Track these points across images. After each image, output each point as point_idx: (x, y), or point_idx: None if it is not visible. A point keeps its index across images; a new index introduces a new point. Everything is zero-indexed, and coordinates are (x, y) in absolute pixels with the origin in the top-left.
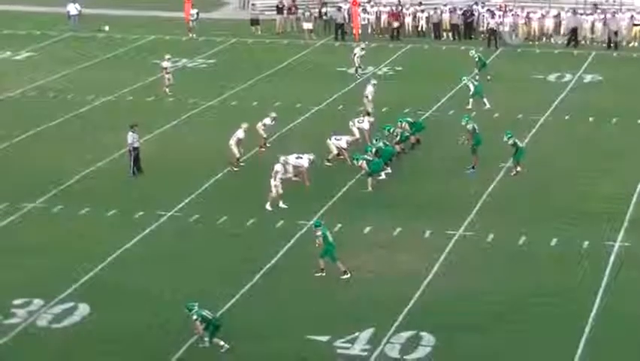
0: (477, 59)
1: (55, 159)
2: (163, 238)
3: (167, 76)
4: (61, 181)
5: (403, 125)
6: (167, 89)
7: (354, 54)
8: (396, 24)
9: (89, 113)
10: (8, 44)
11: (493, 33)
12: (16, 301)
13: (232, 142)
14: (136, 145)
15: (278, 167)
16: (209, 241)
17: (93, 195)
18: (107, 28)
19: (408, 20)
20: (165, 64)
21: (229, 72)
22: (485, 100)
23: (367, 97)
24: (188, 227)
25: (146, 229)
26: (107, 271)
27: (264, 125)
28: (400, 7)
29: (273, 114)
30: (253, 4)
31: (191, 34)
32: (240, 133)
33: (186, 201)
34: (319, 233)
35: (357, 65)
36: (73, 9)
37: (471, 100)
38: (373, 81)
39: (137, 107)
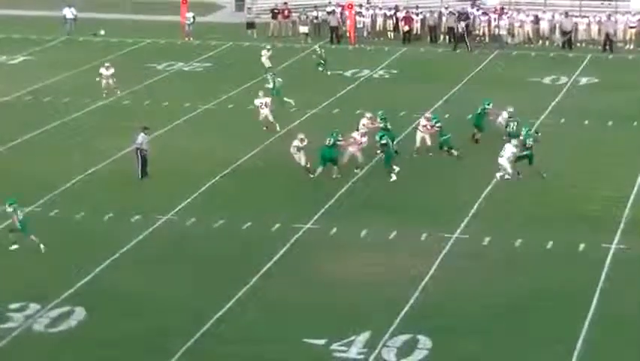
0: (318, 55)
1: (51, 163)
2: (159, 242)
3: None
4: (57, 185)
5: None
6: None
7: (262, 55)
8: (406, 28)
9: (85, 117)
10: (3, 49)
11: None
12: (13, 305)
13: (292, 150)
14: (145, 147)
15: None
16: (205, 244)
17: (89, 199)
18: (102, 32)
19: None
20: (102, 70)
21: (225, 75)
22: (286, 99)
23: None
24: (184, 231)
25: (142, 232)
26: (104, 275)
27: (364, 124)
28: (410, 11)
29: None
30: (249, 8)
31: (187, 38)
32: (296, 142)
33: (182, 205)
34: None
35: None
36: (69, 13)
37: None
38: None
39: (133, 111)
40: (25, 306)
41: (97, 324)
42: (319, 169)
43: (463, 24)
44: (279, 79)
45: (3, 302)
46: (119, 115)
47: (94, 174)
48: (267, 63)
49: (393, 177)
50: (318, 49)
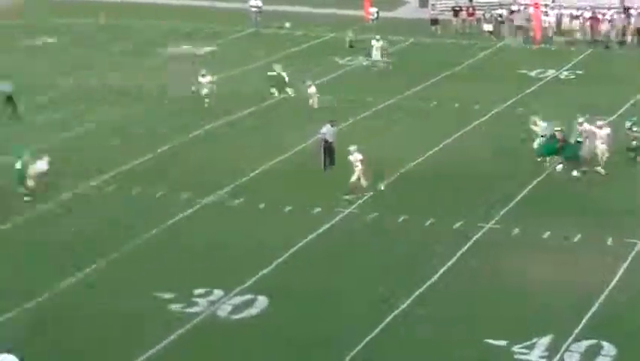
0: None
1: (236, 152)
2: (339, 235)
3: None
4: (241, 175)
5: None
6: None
7: (372, 46)
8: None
9: (272, 107)
10: (191, 40)
11: None
12: (198, 291)
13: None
14: (329, 139)
15: None
16: (386, 239)
17: (272, 190)
18: (288, 24)
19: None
20: (201, 79)
21: (407, 72)
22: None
23: None
24: (363, 225)
25: (323, 225)
26: (285, 265)
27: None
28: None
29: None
30: (433, 5)
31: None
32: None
33: (363, 199)
34: None
35: (375, 57)
36: (255, 5)
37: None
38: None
39: (318, 104)
40: (210, 292)
41: (278, 313)
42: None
43: None
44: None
45: (189, 287)
46: (303, 107)
47: (278, 165)
48: (377, 55)
49: (576, 174)
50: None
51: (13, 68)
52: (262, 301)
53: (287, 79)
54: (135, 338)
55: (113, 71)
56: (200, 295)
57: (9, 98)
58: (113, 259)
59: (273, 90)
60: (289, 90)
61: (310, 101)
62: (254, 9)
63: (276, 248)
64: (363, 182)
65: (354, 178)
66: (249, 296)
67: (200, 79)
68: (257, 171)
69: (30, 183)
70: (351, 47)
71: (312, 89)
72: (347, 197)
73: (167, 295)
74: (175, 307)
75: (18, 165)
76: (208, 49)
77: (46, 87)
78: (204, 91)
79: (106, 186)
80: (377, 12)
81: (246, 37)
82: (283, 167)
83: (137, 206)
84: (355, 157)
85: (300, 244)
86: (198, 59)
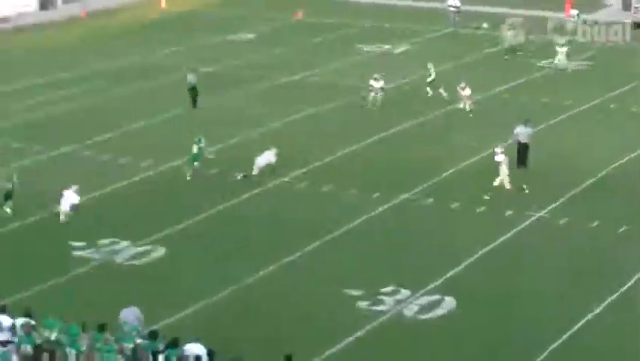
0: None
1: (431, 151)
2: (529, 239)
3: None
4: (434, 175)
5: None
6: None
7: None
8: None
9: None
10: (389, 38)
11: None
12: (385, 289)
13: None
14: (522, 140)
15: None
16: (577, 244)
17: (464, 190)
18: (485, 25)
19: None
20: (373, 82)
21: (606, 75)
22: None
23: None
24: (554, 229)
25: (514, 228)
26: (474, 266)
27: None
28: None
29: None
30: (636, 7)
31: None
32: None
33: (555, 204)
34: None
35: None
36: (453, 5)
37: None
38: None
39: (510, 105)
40: (397, 291)
41: (466, 315)
42: None
43: None
44: None
45: (377, 285)
46: (495, 108)
47: (468, 166)
48: (563, 61)
49: None
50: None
51: (212, 61)
52: (449, 302)
53: (433, 77)
54: (323, 333)
55: (311, 68)
56: (387, 294)
57: (193, 89)
58: (304, 253)
59: (428, 89)
60: (442, 91)
61: (462, 103)
62: (452, 9)
63: (466, 249)
64: (507, 184)
65: (499, 180)
66: (436, 297)
67: (372, 82)
68: (450, 172)
69: (255, 171)
70: (514, 51)
71: (467, 92)
72: (487, 196)
73: (355, 292)
74: (362, 304)
75: (194, 150)
76: (403, 48)
77: (256, 79)
78: (371, 95)
79: (297, 182)
80: (578, 14)
81: (443, 37)
82: (477, 167)
83: (325, 203)
84: (499, 158)
85: (490, 246)
86: (394, 58)
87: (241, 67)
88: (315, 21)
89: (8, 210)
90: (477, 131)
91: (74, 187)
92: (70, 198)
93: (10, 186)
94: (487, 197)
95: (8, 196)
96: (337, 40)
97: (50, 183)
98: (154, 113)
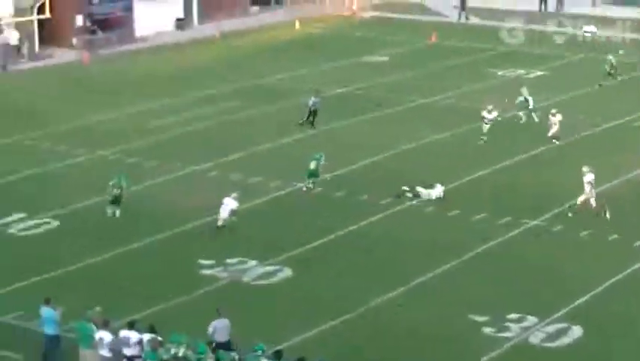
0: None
1: (559, 177)
2: None
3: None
4: (563, 200)
5: None
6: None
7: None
8: None
9: (599, 134)
10: (523, 63)
11: None
12: (511, 316)
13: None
14: None
15: None
16: None
17: (597, 219)
18: (621, 52)
19: None
20: (485, 114)
21: None
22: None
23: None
24: None
25: None
26: (602, 295)
27: None
28: None
29: None
30: None
31: None
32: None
33: None
34: None
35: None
36: (587, 30)
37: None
38: None
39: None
40: (524, 318)
41: (592, 344)
42: None
43: None
44: None
45: (503, 312)
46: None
47: (606, 191)
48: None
49: None
50: (611, 58)
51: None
52: (576, 330)
53: (531, 105)
54: (448, 358)
55: (442, 92)
56: (513, 321)
57: (315, 112)
58: (434, 275)
59: (521, 114)
60: (534, 115)
61: (551, 130)
62: (587, 34)
63: (594, 277)
64: (593, 202)
65: (582, 198)
66: (563, 325)
67: (485, 114)
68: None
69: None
70: (609, 74)
71: (558, 117)
72: (570, 214)
73: (481, 318)
74: (488, 330)
75: (312, 166)
76: (539, 73)
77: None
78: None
79: (426, 205)
80: None
81: (578, 62)
82: (616, 192)
83: (453, 227)
84: (587, 178)
85: (620, 276)
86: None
87: (374, 87)
88: (448, 44)
89: (109, 211)
90: (615, 153)
91: (234, 194)
92: (230, 204)
93: (117, 191)
94: (607, 216)
95: (115, 201)
96: (470, 64)
97: (181, 202)
98: (282, 133)
